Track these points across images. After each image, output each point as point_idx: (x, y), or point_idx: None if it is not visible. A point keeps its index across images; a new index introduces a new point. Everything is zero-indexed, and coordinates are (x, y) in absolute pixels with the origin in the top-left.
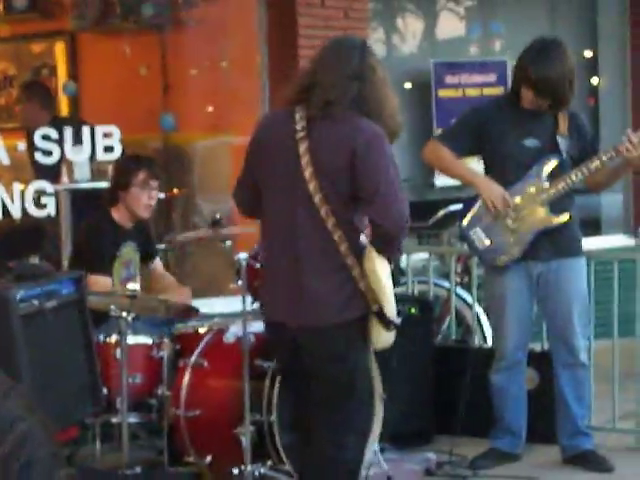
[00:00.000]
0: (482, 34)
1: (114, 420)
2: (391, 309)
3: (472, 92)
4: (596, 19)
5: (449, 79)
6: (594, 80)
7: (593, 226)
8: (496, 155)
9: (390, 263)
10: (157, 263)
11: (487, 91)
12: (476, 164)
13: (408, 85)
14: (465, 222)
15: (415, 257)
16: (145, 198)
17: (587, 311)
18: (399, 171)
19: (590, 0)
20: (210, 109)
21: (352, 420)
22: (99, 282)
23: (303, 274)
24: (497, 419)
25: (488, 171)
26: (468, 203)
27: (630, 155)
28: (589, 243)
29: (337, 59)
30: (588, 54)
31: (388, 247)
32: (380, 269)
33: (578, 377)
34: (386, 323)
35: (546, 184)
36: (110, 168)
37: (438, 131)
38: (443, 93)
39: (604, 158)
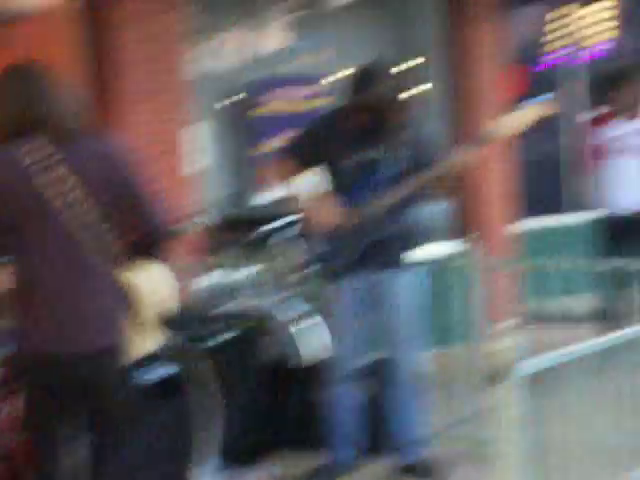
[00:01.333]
0: (302, 49)
1: None
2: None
3: (291, 107)
4: (415, 29)
5: (267, 95)
6: (419, 90)
7: (427, 234)
8: (334, 168)
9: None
10: None
11: (306, 105)
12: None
13: (227, 101)
14: (296, 234)
15: (241, 274)
16: None
17: (417, 322)
18: None
19: (413, 12)
20: None
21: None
22: None
23: (79, 297)
24: (332, 431)
25: (325, 181)
26: (293, 218)
27: (462, 163)
28: (421, 252)
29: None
30: (410, 64)
31: (158, 250)
32: (162, 274)
33: (409, 387)
34: (162, 327)
35: (382, 195)
36: None
37: (260, 147)
38: (261, 109)
39: (437, 166)
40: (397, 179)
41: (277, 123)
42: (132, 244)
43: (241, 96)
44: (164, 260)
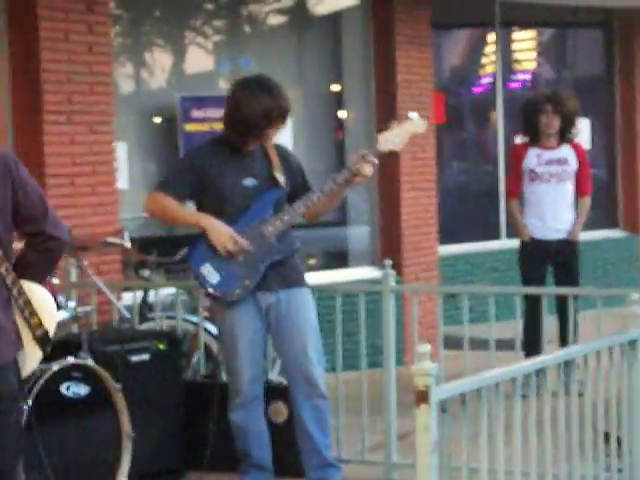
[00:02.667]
0: (231, 68)
1: None
2: (52, 330)
3: (219, 126)
4: (341, 53)
5: (196, 113)
6: (341, 114)
7: (340, 258)
8: (216, 197)
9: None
10: None
11: None
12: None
13: (156, 120)
14: (193, 259)
15: (163, 292)
16: None
17: (320, 341)
18: None
19: (335, 33)
20: None
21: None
22: None
23: None
24: (243, 455)
25: (207, 211)
26: (194, 245)
27: (357, 183)
28: (336, 276)
29: None
30: (335, 88)
31: (57, 259)
32: (44, 292)
33: (319, 407)
34: (46, 346)
35: (270, 218)
36: None
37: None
38: (190, 127)
39: (325, 189)
40: (280, 202)
41: (200, 142)
42: (21, 256)
43: (167, 114)
44: (45, 278)
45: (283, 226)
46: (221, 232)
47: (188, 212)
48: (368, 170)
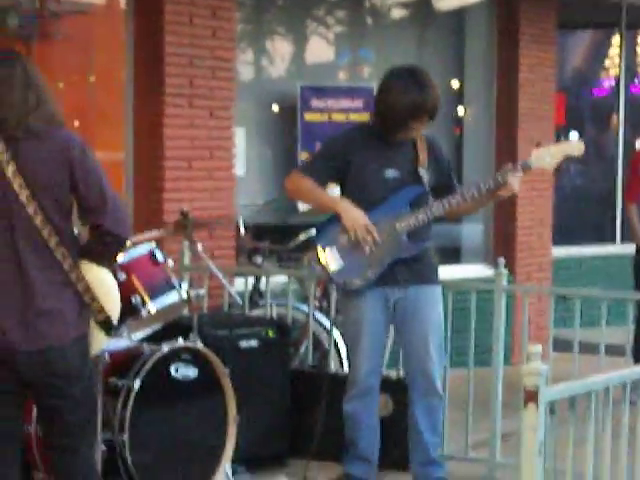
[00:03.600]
0: (351, 60)
1: None
2: (116, 315)
3: (338, 117)
4: (464, 50)
5: (315, 103)
6: (460, 110)
7: (453, 255)
8: (356, 184)
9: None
10: None
11: (353, 117)
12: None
13: (275, 107)
14: (320, 240)
15: (275, 280)
16: None
17: (443, 339)
18: None
19: (458, 30)
20: (75, 124)
21: (86, 430)
22: None
23: (34, 297)
24: (350, 445)
25: (346, 197)
26: (323, 224)
27: (502, 196)
28: (448, 272)
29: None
30: (455, 84)
31: (115, 255)
32: (106, 277)
33: (433, 406)
34: (110, 330)
35: (406, 214)
36: None
37: (302, 155)
38: (309, 117)
39: (467, 195)
40: (419, 199)
41: (320, 132)
42: (86, 243)
43: (287, 103)
44: (110, 263)
45: (416, 224)
46: (356, 218)
47: (325, 195)
48: (515, 183)
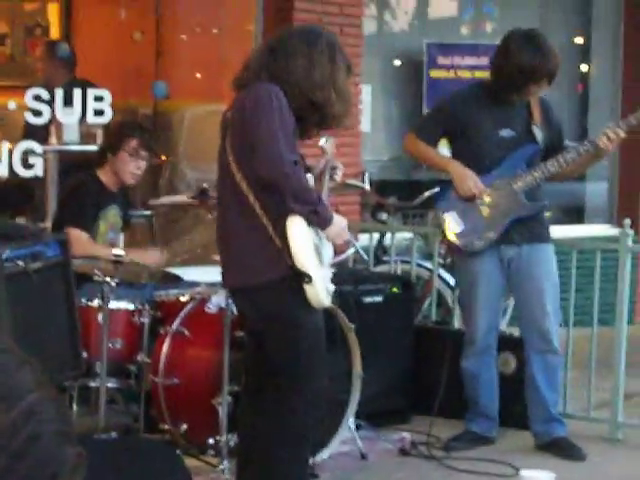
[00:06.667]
0: (475, 16)
1: (92, 384)
2: (302, 263)
3: (464, 74)
4: (590, 3)
5: (441, 60)
6: (584, 66)
7: (576, 213)
8: (471, 144)
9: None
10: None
11: (478, 74)
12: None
13: (397, 63)
14: (440, 205)
15: (399, 236)
16: (132, 166)
17: (559, 297)
18: (288, 124)
19: None
20: (202, 77)
21: (299, 383)
22: (76, 236)
23: (229, 238)
24: (471, 403)
25: (460, 158)
26: (444, 187)
27: (606, 150)
28: (572, 231)
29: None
30: (579, 40)
31: (287, 200)
32: (291, 225)
33: (550, 363)
34: (300, 277)
35: (522, 173)
36: (99, 132)
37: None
38: (435, 74)
39: (581, 150)
40: (535, 158)
41: (446, 89)
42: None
43: (411, 59)
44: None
45: (533, 183)
46: (465, 177)
47: (438, 157)
48: (602, 144)
